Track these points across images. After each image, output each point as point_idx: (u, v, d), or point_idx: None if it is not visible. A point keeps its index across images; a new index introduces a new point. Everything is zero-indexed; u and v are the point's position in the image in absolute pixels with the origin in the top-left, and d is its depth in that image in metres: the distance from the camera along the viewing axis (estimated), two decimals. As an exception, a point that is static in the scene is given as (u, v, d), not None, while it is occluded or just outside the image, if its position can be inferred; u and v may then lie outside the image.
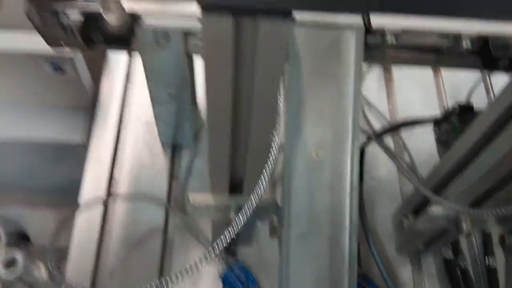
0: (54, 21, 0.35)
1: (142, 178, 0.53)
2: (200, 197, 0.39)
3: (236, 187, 0.38)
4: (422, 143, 0.58)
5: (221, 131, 0.31)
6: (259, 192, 0.31)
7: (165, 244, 0.49)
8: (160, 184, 0.51)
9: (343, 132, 0.38)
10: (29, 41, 0.47)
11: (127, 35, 0.35)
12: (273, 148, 0.33)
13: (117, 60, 0.60)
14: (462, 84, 0.61)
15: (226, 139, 0.31)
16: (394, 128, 0.50)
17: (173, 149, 0.54)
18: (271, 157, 0.32)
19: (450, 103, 0.62)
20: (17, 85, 0.53)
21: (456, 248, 0.49)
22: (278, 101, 0.29)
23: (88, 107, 0.56)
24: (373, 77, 0.64)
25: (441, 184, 0.42)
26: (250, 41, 0.23)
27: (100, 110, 0.56)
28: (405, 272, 0.51)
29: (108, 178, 0.53)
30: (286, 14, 0.21)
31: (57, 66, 0.51)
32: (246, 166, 0.36)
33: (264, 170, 0.31)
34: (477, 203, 0.39)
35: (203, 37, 0.23)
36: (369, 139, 0.50)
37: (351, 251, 0.37)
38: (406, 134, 0.59)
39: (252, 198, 0.32)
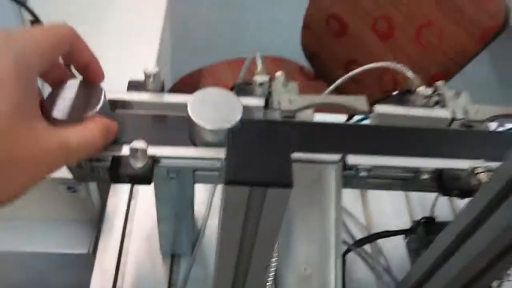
0: (87, 165, 0.42)
1: (143, 286, 0.58)
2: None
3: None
4: (396, 249, 0.66)
5: (228, 260, 0.37)
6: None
7: None
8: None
9: (327, 250, 0.45)
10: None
11: (148, 174, 0.42)
12: (271, 270, 0.39)
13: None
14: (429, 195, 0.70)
15: (231, 265, 0.38)
16: (371, 239, 0.57)
17: (172, 258, 0.60)
18: (269, 279, 0.38)
19: (418, 211, 0.71)
20: (34, 204, 0.59)
21: None
22: (276, 241, 0.36)
23: (95, 221, 0.62)
24: (350, 190, 0.73)
25: (412, 289, 0.49)
26: (259, 203, 0.31)
27: (106, 224, 0.62)
28: None
29: (112, 286, 0.58)
30: (288, 185, 0.29)
31: (71, 187, 0.57)
32: (245, 285, 0.42)
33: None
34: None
35: (223, 200, 0.30)
36: (348, 250, 0.57)
37: None
38: (382, 240, 0.67)
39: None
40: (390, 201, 0.71)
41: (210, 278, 0.58)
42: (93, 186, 0.59)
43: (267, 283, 0.38)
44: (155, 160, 0.43)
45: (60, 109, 0.39)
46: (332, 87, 0.61)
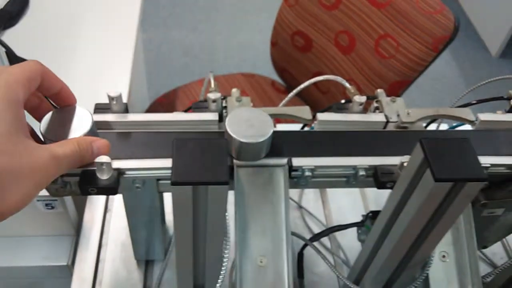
0: (59, 181, 0.47)
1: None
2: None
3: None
4: (353, 242, 0.72)
5: (185, 253, 0.43)
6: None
7: None
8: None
9: (279, 243, 0.51)
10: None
11: (114, 185, 0.47)
12: (224, 260, 0.45)
13: (97, 193, 0.72)
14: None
15: (189, 258, 0.43)
16: (325, 233, 0.63)
17: (146, 264, 0.65)
18: (223, 268, 0.44)
19: (373, 206, 0.77)
20: (14, 222, 0.64)
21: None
22: (224, 229, 0.42)
23: (73, 234, 0.67)
24: (311, 191, 0.79)
25: (359, 274, 0.55)
26: (203, 199, 0.36)
27: (83, 236, 0.67)
28: None
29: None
30: (224, 183, 0.35)
31: (49, 204, 0.62)
32: (205, 275, 0.47)
33: (218, 278, 0.43)
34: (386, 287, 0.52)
35: (173, 198, 0.36)
36: (305, 245, 0.63)
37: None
38: (341, 236, 0.73)
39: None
40: (347, 199, 0.78)
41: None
42: (69, 202, 0.64)
43: (221, 273, 0.43)
44: (120, 172, 0.48)
45: (51, 132, 0.45)
46: (285, 100, 0.67)
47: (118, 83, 0.94)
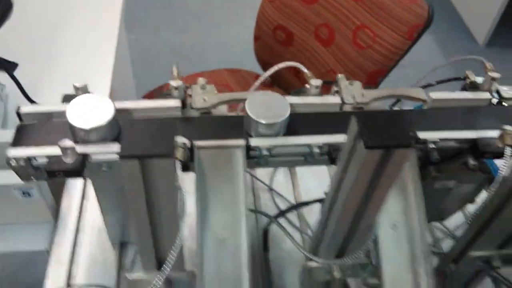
0: (28, 165, 0.51)
1: (95, 272, 0.67)
2: (136, 275, 0.53)
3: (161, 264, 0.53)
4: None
5: (142, 225, 0.46)
6: (170, 265, 0.46)
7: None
8: (110, 275, 0.65)
9: (238, 217, 0.54)
10: (4, 177, 0.63)
11: (79, 168, 0.50)
12: (180, 233, 0.48)
13: (75, 182, 0.76)
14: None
15: (147, 229, 0.47)
16: (288, 210, 0.66)
17: (121, 246, 0.68)
18: (178, 239, 0.47)
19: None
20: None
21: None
22: (176, 203, 0.45)
23: (51, 221, 0.70)
24: (281, 174, 0.82)
25: (316, 244, 0.58)
26: (151, 171, 0.40)
27: (60, 222, 0.70)
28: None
29: (66, 275, 0.66)
30: (170, 156, 0.38)
31: (26, 192, 0.65)
32: (166, 248, 0.51)
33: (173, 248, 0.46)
34: (339, 256, 0.55)
35: (123, 173, 0.39)
36: (270, 221, 0.66)
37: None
38: (309, 213, 0.76)
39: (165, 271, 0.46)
40: (316, 181, 0.81)
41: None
42: (46, 189, 0.68)
43: (176, 243, 0.47)
44: (85, 156, 0.51)
45: None
46: (254, 85, 0.70)
47: (99, 83, 0.97)
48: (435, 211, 0.67)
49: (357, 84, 0.64)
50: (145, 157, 0.38)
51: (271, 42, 1.60)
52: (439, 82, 0.73)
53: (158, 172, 0.40)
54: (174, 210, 0.46)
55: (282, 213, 0.66)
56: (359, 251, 0.53)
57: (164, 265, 0.47)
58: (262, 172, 0.82)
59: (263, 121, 0.53)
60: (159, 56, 2.49)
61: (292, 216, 0.75)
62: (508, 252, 0.59)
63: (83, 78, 0.88)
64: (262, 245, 0.70)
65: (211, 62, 2.48)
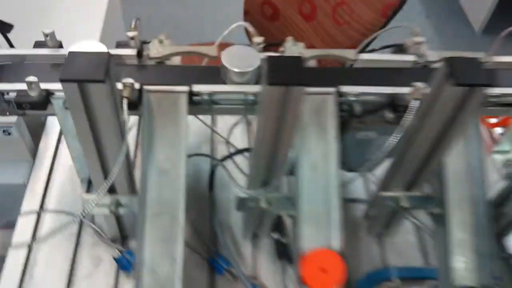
0: (1, 99, 0.60)
1: (65, 201, 0.77)
2: (90, 197, 0.63)
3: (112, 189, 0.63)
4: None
5: (89, 149, 0.55)
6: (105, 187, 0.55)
7: (77, 244, 0.72)
8: (77, 205, 0.74)
9: (179, 151, 0.63)
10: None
11: (43, 101, 0.59)
12: (120, 158, 0.57)
13: (53, 126, 0.85)
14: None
15: (94, 153, 0.56)
16: (232, 154, 0.75)
17: (89, 181, 0.78)
18: (116, 166, 0.56)
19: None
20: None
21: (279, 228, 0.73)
22: (118, 126, 0.54)
23: (30, 160, 0.80)
24: (239, 129, 0.91)
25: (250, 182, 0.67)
26: (89, 95, 0.49)
27: (37, 161, 0.80)
28: (247, 251, 0.75)
29: (40, 203, 0.76)
30: (102, 81, 0.47)
31: (6, 131, 0.75)
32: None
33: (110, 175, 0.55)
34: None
35: (65, 95, 0.48)
36: (215, 165, 0.75)
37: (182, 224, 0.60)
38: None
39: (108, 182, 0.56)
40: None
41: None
42: (24, 129, 0.77)
43: (118, 161, 0.56)
44: (49, 92, 0.60)
45: None
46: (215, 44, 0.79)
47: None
48: (363, 161, 0.75)
49: (300, 45, 0.72)
50: (80, 81, 0.47)
51: (258, 17, 1.67)
52: (382, 48, 0.81)
53: (96, 98, 0.49)
54: (116, 134, 0.55)
55: (228, 157, 0.74)
56: (277, 184, 0.63)
57: (107, 178, 0.56)
58: (223, 128, 0.90)
59: (236, 70, 0.62)
60: (158, 29, 2.57)
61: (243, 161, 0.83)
62: (415, 194, 0.67)
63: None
64: (208, 185, 0.79)
65: (210, 35, 2.55)
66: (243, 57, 0.64)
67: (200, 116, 0.82)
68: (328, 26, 1.50)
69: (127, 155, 0.62)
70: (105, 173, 0.61)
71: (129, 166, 0.63)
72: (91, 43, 0.62)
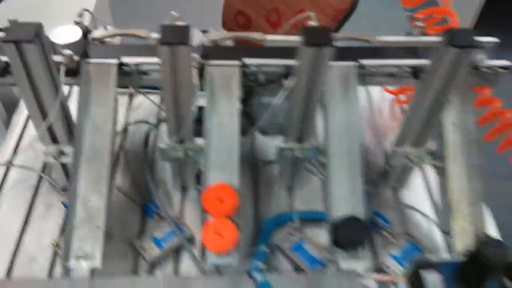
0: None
1: (27, 158, 0.93)
2: (38, 146, 0.79)
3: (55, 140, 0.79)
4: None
5: (31, 104, 0.72)
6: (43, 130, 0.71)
7: (35, 193, 0.89)
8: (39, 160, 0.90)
9: (109, 112, 0.78)
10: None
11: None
12: (54, 109, 0.73)
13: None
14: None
15: (34, 105, 0.72)
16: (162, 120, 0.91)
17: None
18: (51, 114, 0.72)
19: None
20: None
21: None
22: (52, 81, 0.70)
23: (2, 129, 0.97)
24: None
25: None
26: (26, 54, 0.65)
27: (9, 133, 0.97)
28: (176, 200, 0.90)
29: (7, 159, 0.93)
30: (30, 41, 0.63)
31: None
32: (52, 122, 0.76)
33: (46, 121, 0.71)
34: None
35: (7, 56, 0.65)
36: (150, 129, 0.91)
37: (109, 167, 0.76)
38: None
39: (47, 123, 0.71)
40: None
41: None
42: (-1, 105, 0.95)
43: (54, 109, 0.72)
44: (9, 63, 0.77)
45: None
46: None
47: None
48: (277, 126, 0.90)
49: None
50: (15, 42, 0.63)
51: (233, 26, 1.83)
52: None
53: (29, 56, 0.65)
54: (51, 91, 0.71)
55: (160, 121, 0.90)
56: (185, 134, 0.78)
57: (44, 123, 0.72)
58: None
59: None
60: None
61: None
62: (307, 146, 0.82)
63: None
64: (143, 144, 0.95)
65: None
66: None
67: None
68: (291, 32, 1.66)
69: (65, 111, 0.78)
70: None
71: (67, 120, 0.79)
72: (69, 27, 0.78)
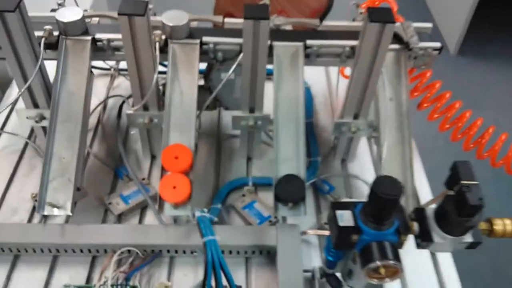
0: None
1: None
2: (21, 109, 0.91)
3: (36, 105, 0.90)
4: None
5: (15, 70, 0.83)
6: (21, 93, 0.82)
7: (20, 157, 1.00)
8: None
9: (82, 80, 0.90)
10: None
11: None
12: (33, 75, 0.84)
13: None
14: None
15: (18, 71, 0.84)
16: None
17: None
18: (30, 79, 0.83)
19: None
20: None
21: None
22: (34, 54, 0.82)
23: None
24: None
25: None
26: (8, 23, 0.77)
27: (2, 104, 1.09)
28: (146, 166, 1.00)
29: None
30: (11, 11, 0.74)
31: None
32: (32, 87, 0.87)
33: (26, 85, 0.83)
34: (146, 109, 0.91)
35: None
36: (124, 101, 1.02)
37: (80, 127, 0.87)
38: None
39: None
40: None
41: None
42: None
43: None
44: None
45: None
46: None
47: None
48: (234, 101, 1.01)
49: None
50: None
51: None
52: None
53: (12, 26, 0.77)
54: (32, 56, 0.82)
55: (130, 96, 1.01)
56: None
57: (23, 88, 0.83)
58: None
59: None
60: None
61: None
62: (258, 115, 0.92)
63: None
64: (117, 116, 1.06)
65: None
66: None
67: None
68: (273, 31, 1.77)
69: (44, 79, 0.89)
70: (29, 89, 0.88)
71: (47, 87, 0.91)
72: (73, 8, 0.90)
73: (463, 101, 1.01)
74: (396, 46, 0.94)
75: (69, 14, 0.87)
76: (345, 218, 0.67)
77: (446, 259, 0.87)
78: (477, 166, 0.67)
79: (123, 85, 1.17)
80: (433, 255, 0.88)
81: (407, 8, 1.59)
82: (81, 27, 0.88)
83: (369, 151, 1.07)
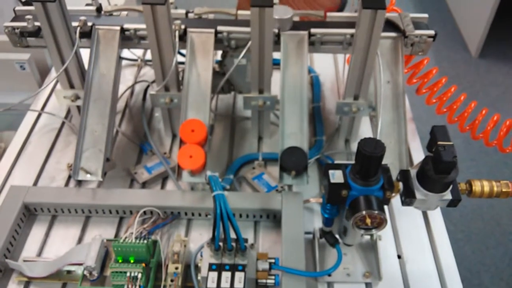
0: (12, 31, 1.02)
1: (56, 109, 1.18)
2: (59, 90, 1.03)
3: (71, 86, 1.03)
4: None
5: (53, 52, 0.96)
6: (57, 76, 0.95)
7: (58, 134, 1.13)
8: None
9: (112, 65, 1.02)
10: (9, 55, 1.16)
11: (36, 31, 1.01)
12: (70, 58, 0.97)
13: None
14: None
15: (56, 52, 0.96)
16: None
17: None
18: (67, 63, 0.96)
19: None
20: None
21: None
22: (71, 39, 0.94)
23: (36, 88, 1.23)
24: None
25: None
26: (49, 12, 0.90)
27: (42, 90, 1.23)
28: (167, 143, 1.12)
29: (40, 108, 1.18)
30: (53, 1, 0.87)
31: (21, 65, 1.18)
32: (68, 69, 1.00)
33: (62, 68, 0.95)
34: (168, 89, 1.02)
35: (36, 13, 0.90)
36: (148, 86, 1.14)
37: (110, 105, 0.99)
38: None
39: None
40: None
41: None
42: (34, 67, 1.19)
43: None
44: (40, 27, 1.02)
45: None
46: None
47: None
48: (247, 85, 1.12)
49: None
50: (41, 1, 0.88)
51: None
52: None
53: (52, 14, 0.90)
54: (69, 44, 0.95)
55: (153, 82, 1.13)
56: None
57: (61, 70, 0.96)
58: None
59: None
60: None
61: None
62: (266, 96, 1.03)
63: None
64: (142, 98, 1.19)
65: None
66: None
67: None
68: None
69: (79, 63, 1.02)
70: (66, 72, 1.01)
71: (81, 70, 1.03)
72: None
73: (483, 102, 1.08)
74: (393, 34, 1.03)
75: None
76: (336, 176, 0.77)
77: (437, 219, 0.97)
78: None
79: (149, 73, 1.29)
80: (425, 217, 0.97)
81: (429, 11, 1.68)
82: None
83: (371, 132, 1.16)
